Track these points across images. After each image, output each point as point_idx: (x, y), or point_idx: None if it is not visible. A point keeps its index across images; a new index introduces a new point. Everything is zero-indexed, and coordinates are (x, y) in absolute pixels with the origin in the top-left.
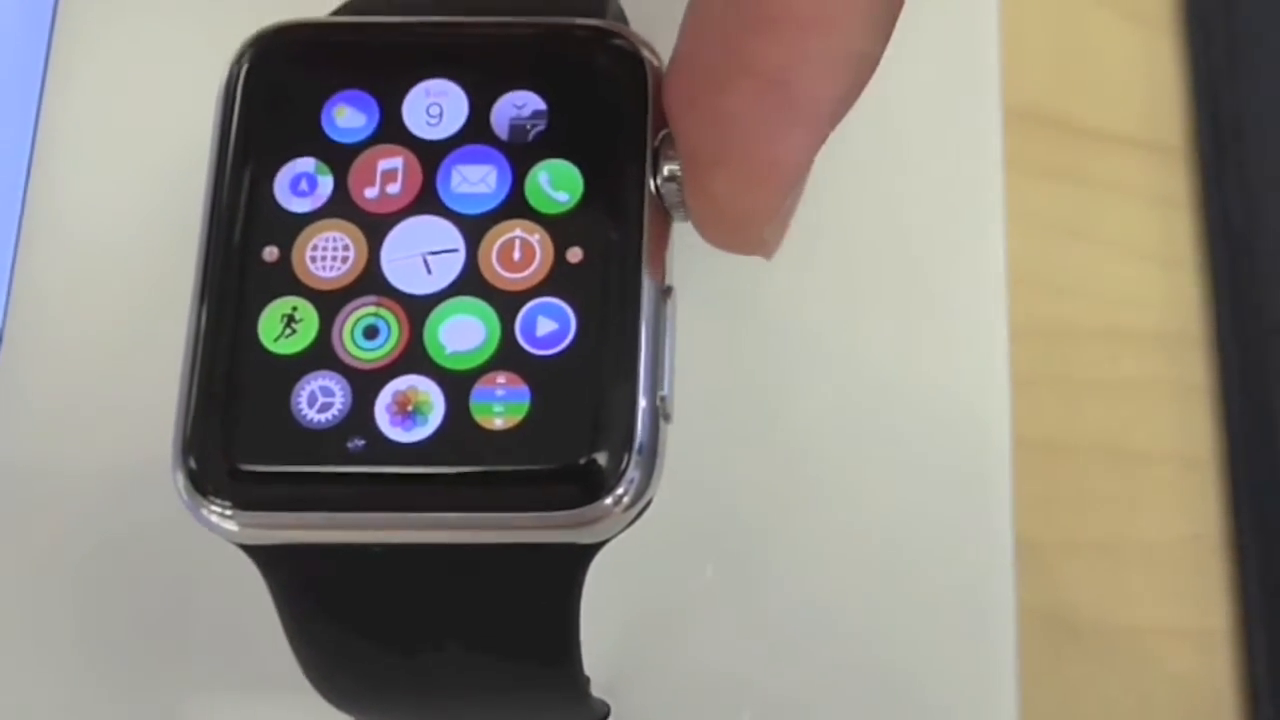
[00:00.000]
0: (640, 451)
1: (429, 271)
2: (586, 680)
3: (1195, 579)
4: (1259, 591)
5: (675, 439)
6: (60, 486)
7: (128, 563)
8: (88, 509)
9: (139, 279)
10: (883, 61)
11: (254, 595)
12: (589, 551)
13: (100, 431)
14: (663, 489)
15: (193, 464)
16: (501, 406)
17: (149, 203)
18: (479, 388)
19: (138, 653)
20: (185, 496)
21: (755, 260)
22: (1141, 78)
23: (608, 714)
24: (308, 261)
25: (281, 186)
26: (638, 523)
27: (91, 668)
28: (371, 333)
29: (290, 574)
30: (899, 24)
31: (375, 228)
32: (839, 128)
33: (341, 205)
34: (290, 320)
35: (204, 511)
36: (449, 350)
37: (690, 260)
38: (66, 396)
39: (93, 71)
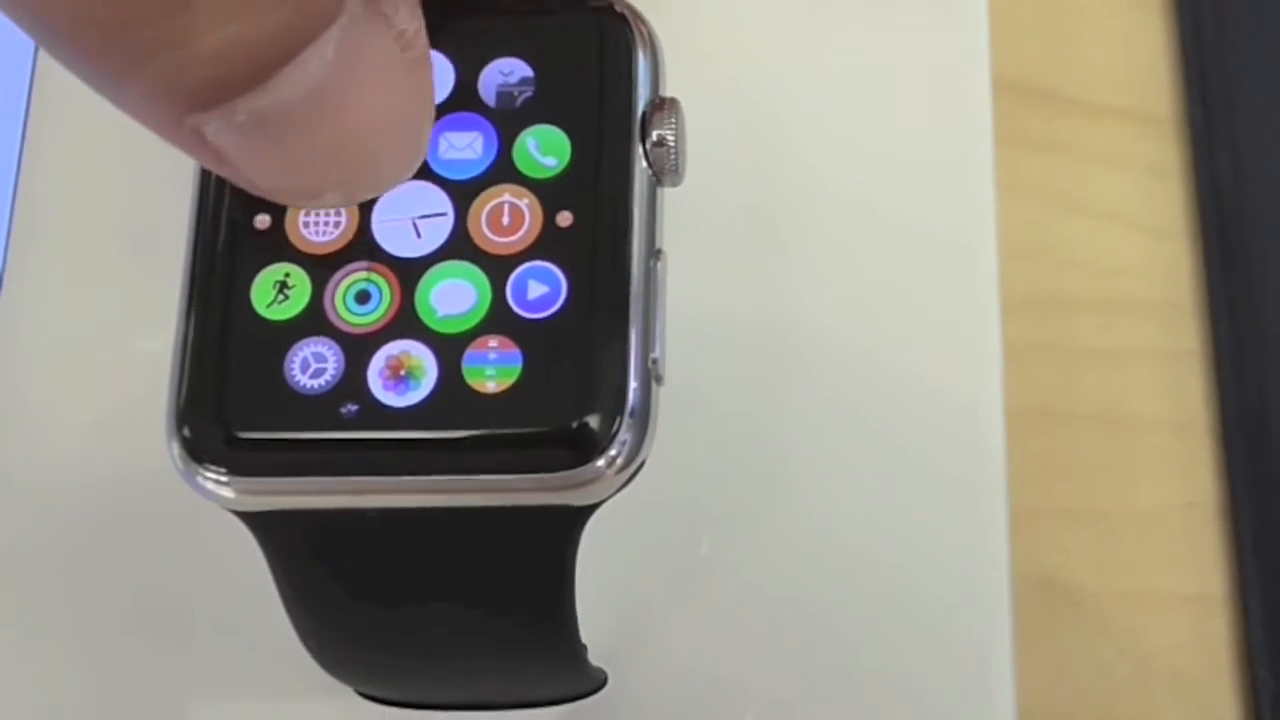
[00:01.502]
0: (633, 414)
1: (418, 235)
2: (584, 647)
3: (1190, 546)
4: (1254, 557)
5: (670, 416)
6: (59, 485)
7: (128, 565)
8: (87, 509)
9: (133, 262)
10: (874, 35)
11: (257, 597)
12: (583, 514)
13: (101, 428)
14: (656, 465)
15: (187, 432)
16: (494, 370)
17: (142, 179)
18: (471, 351)
19: (139, 654)
20: (180, 465)
21: (748, 232)
22: (1131, 49)
23: (605, 681)
24: (300, 227)
25: None
26: (633, 499)
27: (92, 669)
28: (363, 297)
29: (286, 540)
30: None
31: None
32: (832, 102)
33: None
34: (283, 286)
35: (199, 479)
36: (440, 314)
37: (682, 229)
38: (66, 394)
39: None
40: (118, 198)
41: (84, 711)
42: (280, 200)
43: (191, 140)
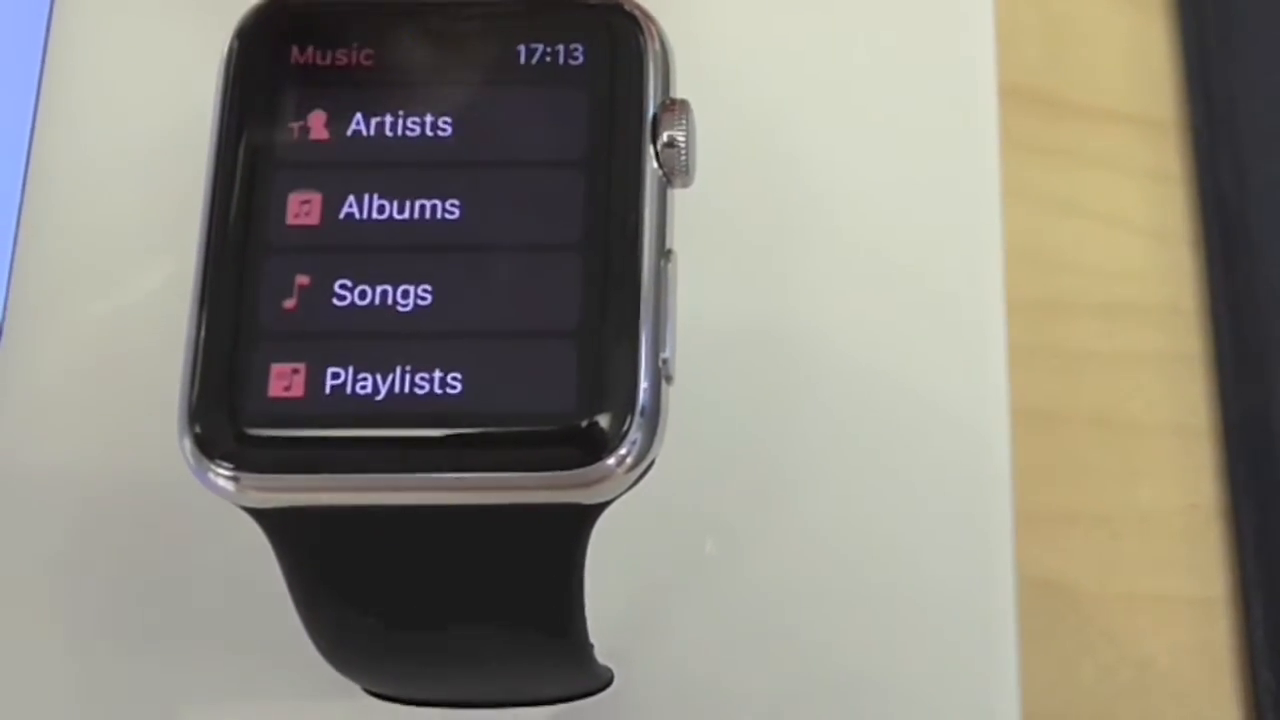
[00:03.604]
0: (643, 413)
1: None
2: (592, 646)
3: (1192, 548)
4: (1255, 560)
5: (676, 417)
6: (56, 486)
7: (122, 564)
8: (84, 509)
9: (143, 264)
10: (878, 41)
11: (255, 597)
12: (592, 512)
13: (100, 429)
14: (662, 466)
15: (199, 429)
16: None
17: (150, 185)
18: None
19: (136, 654)
20: (192, 461)
21: (752, 235)
22: (1134, 54)
23: (611, 680)
24: None
25: None
26: (641, 499)
27: (85, 669)
28: None
29: (296, 537)
30: (894, 2)
31: None
32: (837, 106)
33: None
34: None
35: (210, 475)
36: None
37: (687, 232)
38: (66, 393)
39: (91, 58)
40: (126, 194)
41: (78, 712)
42: None
43: None
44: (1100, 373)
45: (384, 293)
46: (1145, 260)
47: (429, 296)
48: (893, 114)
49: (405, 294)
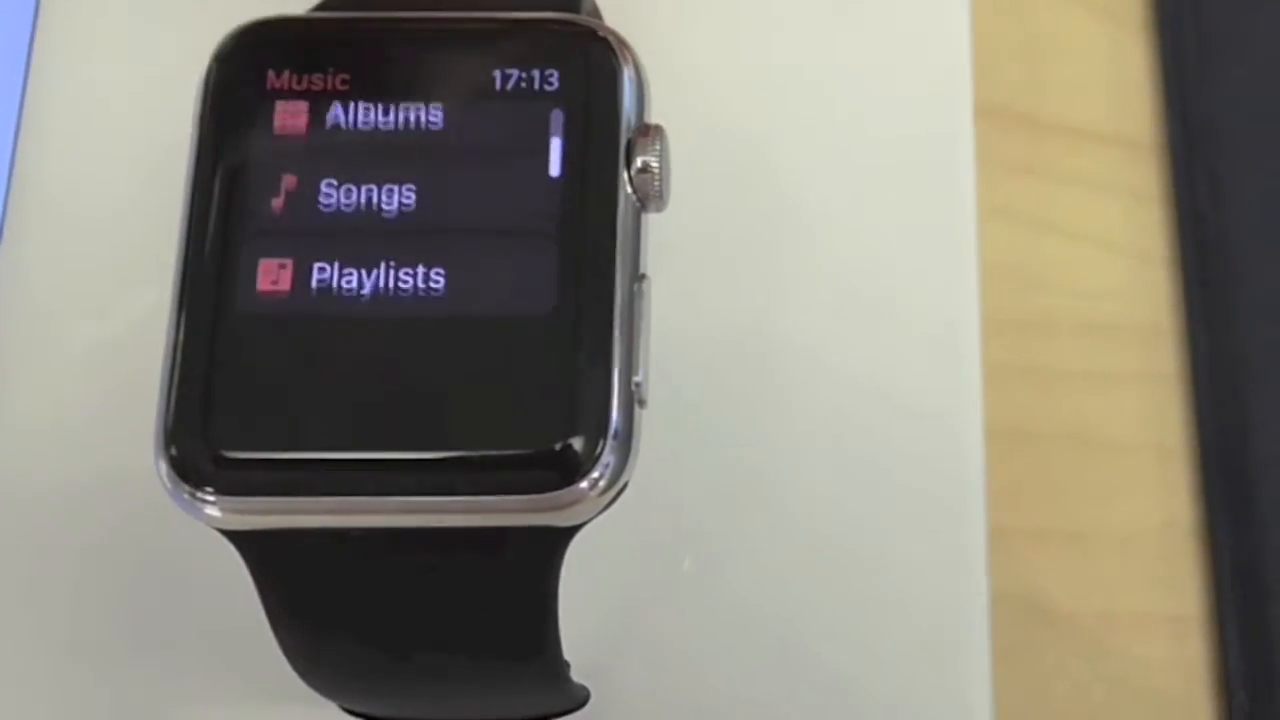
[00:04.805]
0: (616, 436)
1: None
2: (566, 665)
3: (1167, 567)
4: (1230, 579)
5: (652, 435)
6: (50, 488)
7: (119, 568)
8: (79, 511)
9: (127, 276)
10: (855, 59)
11: (246, 601)
12: (566, 535)
13: (87, 431)
14: (638, 484)
15: (174, 451)
16: None
17: (133, 195)
18: None
19: (128, 660)
20: (167, 484)
21: (729, 255)
22: (1112, 74)
23: (587, 699)
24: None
25: None
26: (616, 515)
27: (81, 674)
28: None
29: (270, 559)
30: (871, 22)
31: None
32: (814, 125)
33: None
34: None
35: (186, 498)
36: None
37: (664, 254)
38: (57, 398)
39: (74, 72)
40: (113, 196)
41: (70, 714)
42: None
43: None
44: (1078, 392)
45: None
46: (1123, 280)
47: None
48: (870, 133)
49: None
